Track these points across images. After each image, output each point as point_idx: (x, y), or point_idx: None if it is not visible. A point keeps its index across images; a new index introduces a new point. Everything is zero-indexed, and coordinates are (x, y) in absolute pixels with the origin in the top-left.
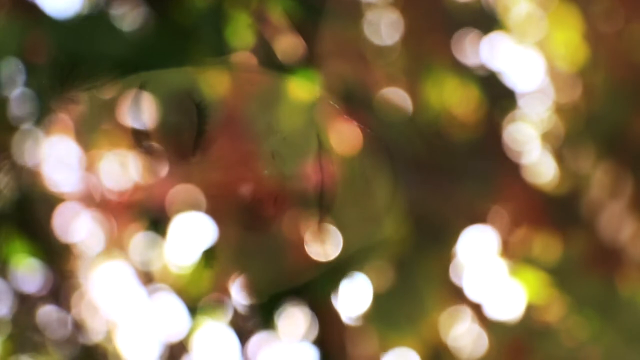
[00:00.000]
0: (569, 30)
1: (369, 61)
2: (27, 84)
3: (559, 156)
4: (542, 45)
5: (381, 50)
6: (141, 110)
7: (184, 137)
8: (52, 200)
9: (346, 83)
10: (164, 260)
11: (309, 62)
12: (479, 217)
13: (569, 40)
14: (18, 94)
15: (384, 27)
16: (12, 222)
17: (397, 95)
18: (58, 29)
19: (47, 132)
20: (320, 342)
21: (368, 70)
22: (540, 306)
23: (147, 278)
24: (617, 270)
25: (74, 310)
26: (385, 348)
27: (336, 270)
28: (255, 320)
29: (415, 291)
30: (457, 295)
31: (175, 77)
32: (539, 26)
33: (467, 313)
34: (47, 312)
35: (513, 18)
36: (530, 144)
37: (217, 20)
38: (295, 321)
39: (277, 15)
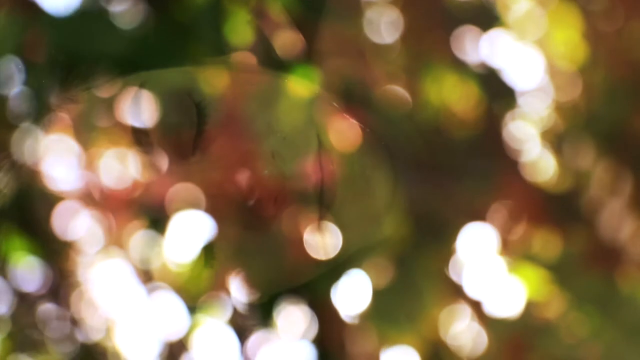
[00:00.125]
0: (568, 28)
1: (369, 58)
2: (27, 82)
3: (559, 154)
4: (542, 44)
5: (381, 48)
6: (141, 110)
7: (184, 137)
8: (51, 199)
9: (346, 80)
10: (163, 259)
11: (309, 59)
12: (479, 215)
13: (569, 38)
14: (17, 93)
15: (384, 25)
16: (12, 221)
17: (396, 93)
18: (57, 27)
19: (47, 130)
20: (320, 340)
21: (367, 68)
22: (540, 303)
23: (146, 276)
24: (617, 267)
25: (73, 309)
26: (384, 345)
27: (336, 269)
28: (254, 319)
29: (415, 288)
30: (456, 293)
31: (175, 76)
32: (538, 24)
33: (467, 310)
34: (46, 310)
35: (512, 16)
36: (530, 141)
37: (216, 16)
38: (294, 319)
39: (276, 11)
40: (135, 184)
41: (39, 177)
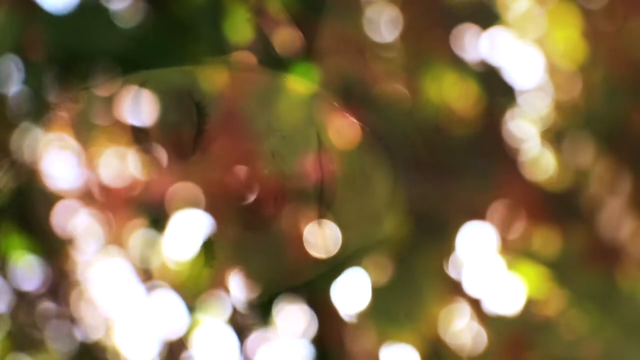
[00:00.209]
0: (567, 27)
1: (368, 56)
2: (26, 81)
3: (558, 152)
4: (541, 42)
5: (380, 46)
6: (141, 109)
7: (184, 136)
8: (51, 197)
9: (345, 78)
10: (162, 258)
11: (308, 56)
12: (478, 213)
13: (568, 37)
14: (17, 91)
15: (383, 23)
16: (11, 219)
17: (396, 91)
18: (56, 24)
19: (46, 129)
20: (319, 338)
21: (367, 66)
22: (540, 301)
23: (145, 275)
24: (617, 264)
25: (72, 307)
26: (384, 344)
27: (336, 268)
28: (254, 318)
29: (414, 286)
30: (456, 291)
31: (175, 76)
32: (537, 23)
33: (466, 308)
34: (45, 309)
35: (512, 15)
36: (530, 139)
37: (215, 14)
38: (293, 318)
39: (275, 9)
40: (135, 183)
41: (39, 176)
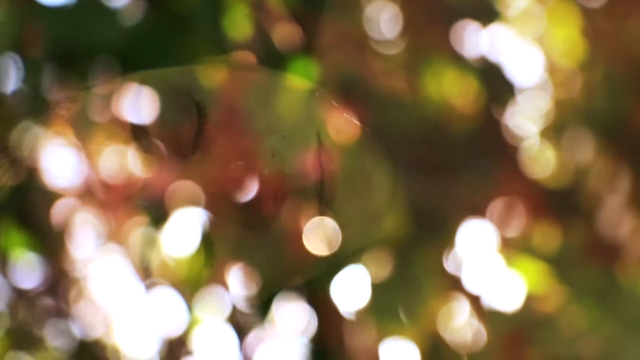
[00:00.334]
0: (567, 25)
1: (368, 53)
2: (25, 79)
3: (558, 148)
4: (541, 41)
5: (380, 43)
6: (141, 108)
7: (184, 136)
8: (50, 195)
9: (345, 75)
10: (162, 255)
11: (308, 53)
12: (478, 209)
13: (568, 35)
14: (16, 89)
15: (384, 19)
16: (11, 217)
17: (396, 88)
18: (54, 19)
19: (46, 127)
20: (319, 335)
21: (367, 62)
22: (540, 297)
23: (145, 273)
24: (617, 260)
25: (72, 305)
26: (383, 340)
27: (336, 266)
28: (253, 316)
29: (414, 283)
30: (456, 287)
31: (174, 75)
32: (537, 21)
33: (466, 304)
34: (45, 307)
35: (512, 12)
36: (529, 136)
37: (214, 9)
38: (293, 316)
39: (275, 5)
40: (135, 180)
41: (38, 173)
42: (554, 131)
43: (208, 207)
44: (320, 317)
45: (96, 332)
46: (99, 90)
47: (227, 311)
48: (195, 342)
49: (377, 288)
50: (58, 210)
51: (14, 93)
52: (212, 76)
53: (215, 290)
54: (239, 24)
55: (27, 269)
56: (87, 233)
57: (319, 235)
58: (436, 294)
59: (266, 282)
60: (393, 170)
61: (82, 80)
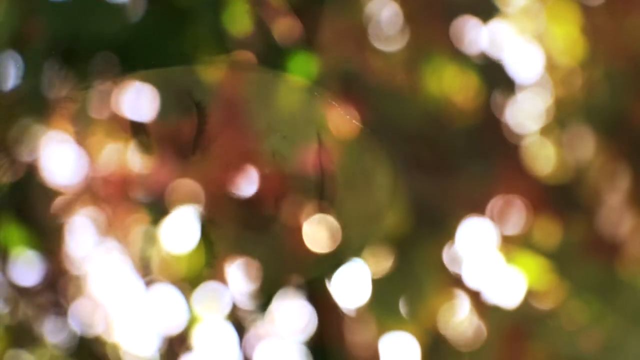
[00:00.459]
0: (567, 23)
1: (369, 49)
2: (25, 76)
3: (559, 145)
4: (541, 39)
5: (381, 38)
6: (141, 107)
7: (184, 136)
8: (50, 192)
9: (345, 70)
10: (162, 253)
11: (308, 47)
12: (478, 205)
13: (568, 33)
14: (16, 87)
15: (384, 15)
16: (11, 214)
17: (396, 83)
18: (54, 14)
19: (46, 124)
20: (319, 331)
21: (367, 58)
22: (540, 292)
23: (145, 270)
24: (617, 255)
25: (71, 302)
26: (383, 335)
27: (337, 265)
28: (253, 313)
29: (415, 279)
30: (456, 282)
31: (175, 75)
32: (537, 19)
33: (466, 300)
34: (44, 304)
35: (512, 9)
36: (530, 132)
37: (215, 3)
38: (293, 312)
39: None
40: (135, 178)
41: (38, 171)
42: (555, 128)
43: (208, 207)
44: (320, 313)
45: (96, 330)
46: (99, 88)
47: (227, 309)
48: (195, 340)
49: (377, 284)
50: (58, 207)
51: (14, 90)
52: (213, 76)
53: (215, 287)
54: (239, 19)
55: (27, 266)
56: (86, 230)
57: (319, 234)
58: (436, 290)
59: (266, 281)
60: (393, 168)
61: (83, 77)
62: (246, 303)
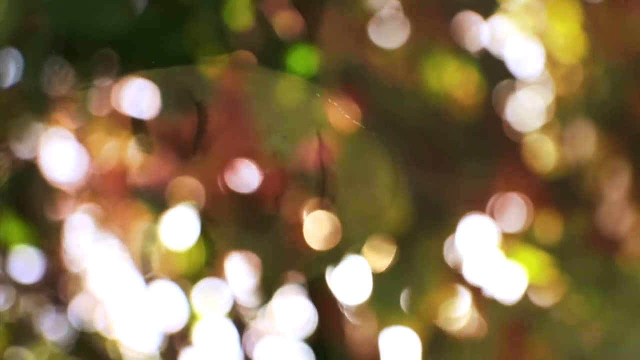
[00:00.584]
0: (568, 20)
1: (369, 43)
2: (25, 73)
3: (559, 141)
4: (542, 36)
5: (382, 34)
6: (142, 106)
7: (185, 136)
8: (50, 188)
9: (346, 65)
10: (162, 250)
11: (309, 41)
12: (479, 200)
13: (569, 30)
14: (16, 84)
15: (385, 10)
16: (11, 211)
17: (396, 78)
18: (55, 9)
19: (46, 121)
20: (319, 327)
21: (368, 53)
22: (541, 286)
23: (145, 267)
24: (618, 249)
25: (71, 299)
26: (384, 330)
27: (337, 261)
28: (254, 311)
29: (415, 274)
30: (457, 278)
31: (176, 75)
32: (538, 16)
33: (467, 295)
34: (44, 301)
35: (513, 6)
36: (530, 128)
37: None
38: (293, 309)
39: None
40: (135, 174)
41: (38, 167)
42: (555, 125)
43: (209, 205)
44: (320, 309)
45: (95, 327)
46: (100, 85)
47: (228, 306)
48: (195, 337)
49: (378, 279)
50: (58, 203)
51: (14, 88)
52: (213, 76)
53: (215, 284)
54: (240, 13)
55: (27, 263)
56: (86, 227)
57: (320, 231)
58: (437, 286)
59: (267, 279)
60: (394, 165)
61: (83, 74)
62: (246, 300)
